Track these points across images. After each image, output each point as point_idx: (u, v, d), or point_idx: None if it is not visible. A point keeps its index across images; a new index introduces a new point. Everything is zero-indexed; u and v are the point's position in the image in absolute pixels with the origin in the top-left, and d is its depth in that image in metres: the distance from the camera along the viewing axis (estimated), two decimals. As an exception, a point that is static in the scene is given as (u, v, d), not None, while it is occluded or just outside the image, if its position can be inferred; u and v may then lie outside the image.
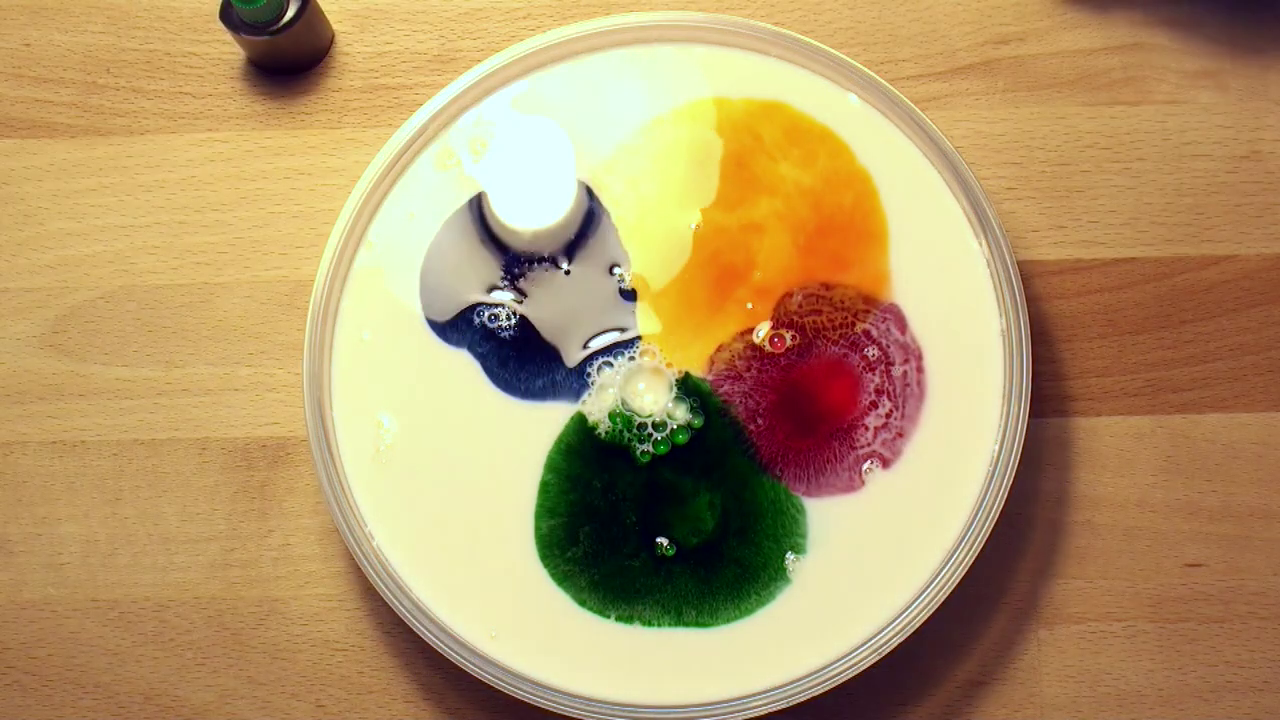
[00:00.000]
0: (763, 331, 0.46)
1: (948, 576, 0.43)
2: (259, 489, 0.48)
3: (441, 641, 0.43)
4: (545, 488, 0.45)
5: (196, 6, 0.53)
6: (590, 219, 0.47)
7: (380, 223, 0.47)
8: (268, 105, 0.51)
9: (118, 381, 0.49)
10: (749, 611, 0.44)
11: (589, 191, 0.47)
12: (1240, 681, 0.46)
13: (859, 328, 0.46)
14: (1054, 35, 0.51)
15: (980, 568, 0.43)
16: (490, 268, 0.47)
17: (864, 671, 0.43)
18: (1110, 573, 0.46)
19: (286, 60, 0.51)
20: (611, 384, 0.46)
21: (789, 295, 0.46)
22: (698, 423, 0.45)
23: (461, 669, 0.43)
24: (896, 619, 0.43)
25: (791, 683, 0.43)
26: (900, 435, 0.45)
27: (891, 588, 0.44)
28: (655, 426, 0.45)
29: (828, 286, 0.46)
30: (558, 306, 0.46)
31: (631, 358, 0.46)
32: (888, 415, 0.45)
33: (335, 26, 0.52)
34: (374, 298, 0.47)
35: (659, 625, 0.44)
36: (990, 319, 0.45)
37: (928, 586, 0.43)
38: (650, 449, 0.45)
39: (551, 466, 0.45)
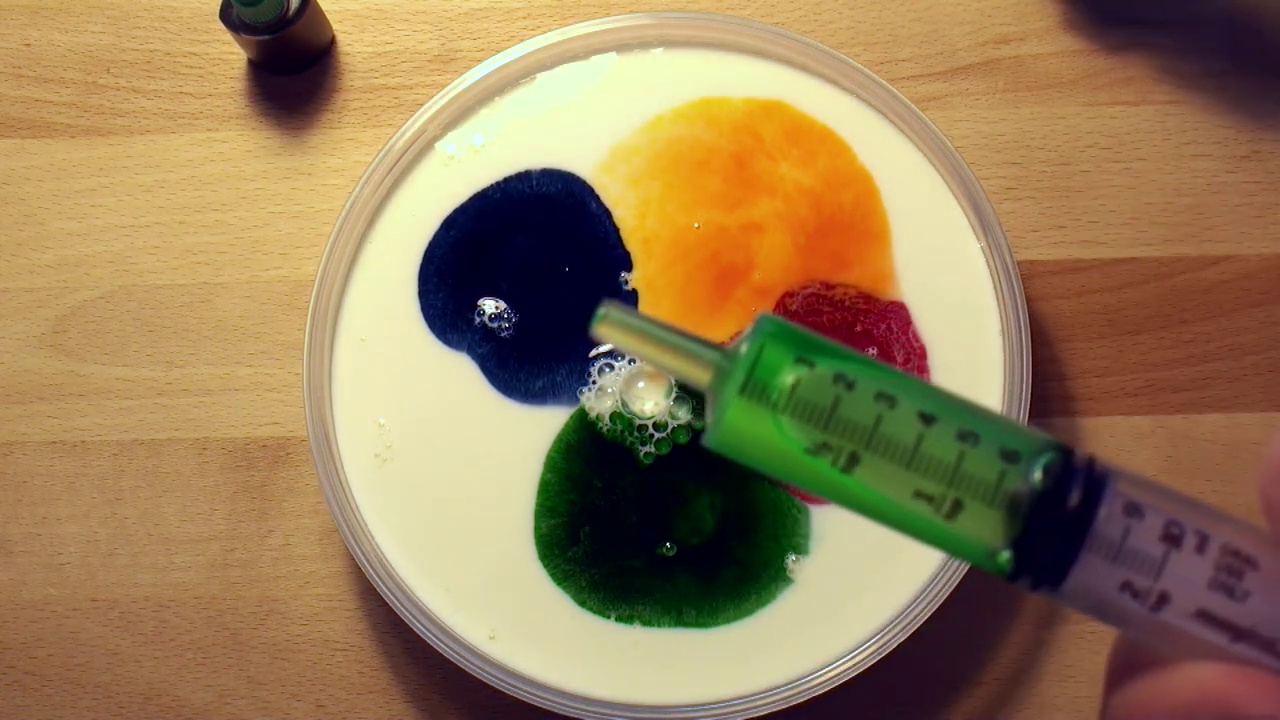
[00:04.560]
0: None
1: (948, 577, 0.43)
2: (259, 489, 0.48)
3: (441, 641, 0.43)
4: (545, 487, 0.45)
5: (196, 6, 0.53)
6: (590, 219, 0.47)
7: (380, 223, 0.47)
8: (268, 105, 0.51)
9: (118, 381, 0.49)
10: (749, 612, 0.44)
11: (589, 191, 0.47)
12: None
13: (859, 328, 0.46)
14: (1054, 35, 0.51)
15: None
16: (490, 268, 0.47)
17: (864, 671, 0.43)
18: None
19: (286, 60, 0.51)
20: (612, 385, 0.46)
21: (789, 295, 0.46)
22: (699, 423, 0.45)
23: (461, 669, 0.43)
24: (896, 619, 0.43)
25: (791, 683, 0.43)
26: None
27: (891, 588, 0.44)
28: (656, 426, 0.45)
29: (828, 286, 0.46)
30: (558, 307, 0.46)
31: (632, 359, 0.46)
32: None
33: (335, 26, 0.52)
34: (374, 298, 0.47)
35: (659, 625, 0.44)
36: (990, 319, 0.45)
37: (928, 586, 0.43)
38: (653, 449, 0.45)
39: (552, 466, 0.45)
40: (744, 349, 0.22)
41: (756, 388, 0.22)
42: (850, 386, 0.22)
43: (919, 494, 0.21)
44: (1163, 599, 0.20)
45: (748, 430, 0.22)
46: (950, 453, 0.21)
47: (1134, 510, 0.20)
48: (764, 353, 0.22)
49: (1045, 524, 0.20)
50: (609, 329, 0.23)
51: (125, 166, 0.51)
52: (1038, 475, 0.20)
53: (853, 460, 0.21)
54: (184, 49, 0.52)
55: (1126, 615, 0.20)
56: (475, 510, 0.45)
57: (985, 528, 0.21)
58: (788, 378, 0.22)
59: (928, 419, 0.21)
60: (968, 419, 0.21)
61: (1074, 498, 0.20)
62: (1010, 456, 0.21)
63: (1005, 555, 0.21)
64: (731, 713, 0.43)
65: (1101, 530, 0.20)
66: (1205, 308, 0.48)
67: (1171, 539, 0.20)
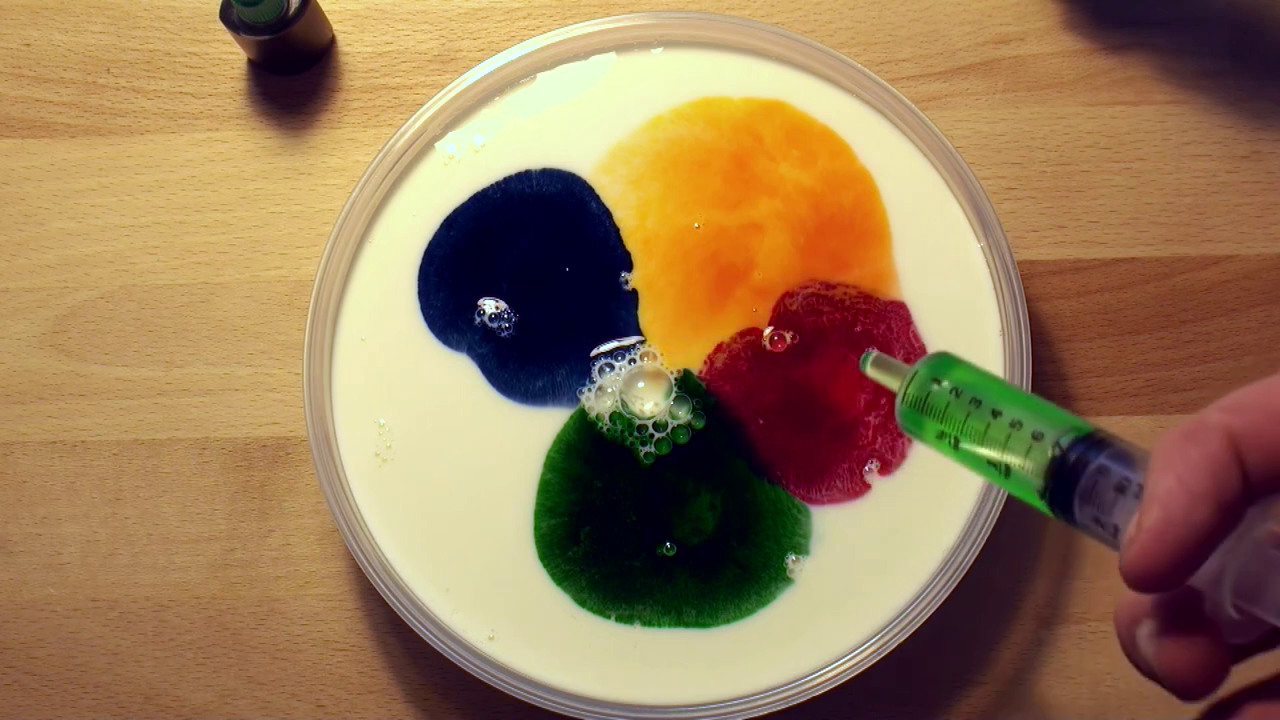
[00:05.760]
0: (764, 331, 0.46)
1: (947, 577, 0.43)
2: (259, 489, 0.48)
3: (441, 641, 0.43)
4: (545, 487, 0.45)
5: (196, 6, 0.53)
6: (590, 219, 0.47)
7: (380, 222, 0.47)
8: (268, 105, 0.51)
9: (118, 381, 0.49)
10: (749, 612, 0.44)
11: (589, 191, 0.47)
12: (1239, 680, 0.46)
13: (859, 328, 0.46)
14: (1054, 35, 0.51)
15: (980, 568, 0.43)
16: (490, 268, 0.47)
17: (864, 671, 0.43)
18: (1110, 573, 0.46)
19: (286, 60, 0.51)
20: (612, 385, 0.46)
21: (789, 295, 0.46)
22: (699, 424, 0.45)
23: (461, 669, 0.43)
24: (896, 619, 0.43)
25: (791, 683, 0.43)
26: (901, 435, 0.45)
27: (891, 588, 0.44)
28: (656, 426, 0.45)
29: (828, 286, 0.46)
30: (558, 307, 0.46)
31: (632, 359, 0.46)
32: (888, 415, 0.45)
33: (335, 26, 0.52)
34: (374, 298, 0.47)
35: (659, 625, 0.44)
36: (990, 319, 0.45)
37: (927, 586, 0.43)
38: (653, 449, 0.45)
39: (552, 466, 0.45)
40: (909, 373, 0.35)
41: (911, 398, 0.34)
42: (957, 394, 0.33)
43: (989, 461, 0.32)
44: (1115, 531, 0.28)
45: (910, 420, 0.35)
46: (1004, 435, 0.32)
47: (1102, 470, 0.29)
48: (916, 375, 0.35)
49: (1056, 479, 0.29)
50: (875, 370, 0.37)
51: (125, 166, 0.51)
52: (1053, 451, 0.30)
53: (956, 441, 0.33)
54: (184, 49, 0.52)
55: (1103, 539, 0.29)
56: (475, 510, 0.45)
57: (1027, 481, 0.31)
58: (926, 390, 0.34)
59: (996, 413, 0.32)
60: (1018, 411, 0.32)
61: (1069, 464, 0.29)
62: (1038, 436, 0.31)
63: (1039, 498, 0.30)
64: (731, 713, 0.43)
65: (1084, 484, 0.29)
66: (1205, 308, 0.48)
67: (1119, 489, 0.28)
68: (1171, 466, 0.25)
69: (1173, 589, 0.25)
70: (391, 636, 0.47)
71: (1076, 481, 0.29)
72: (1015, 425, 0.31)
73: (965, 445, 0.33)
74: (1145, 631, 0.26)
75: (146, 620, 0.48)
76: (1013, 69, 0.50)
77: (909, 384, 0.35)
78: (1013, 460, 0.31)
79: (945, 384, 0.34)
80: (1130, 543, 0.25)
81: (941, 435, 0.34)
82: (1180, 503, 0.24)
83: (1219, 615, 0.26)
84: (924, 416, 0.34)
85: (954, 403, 0.33)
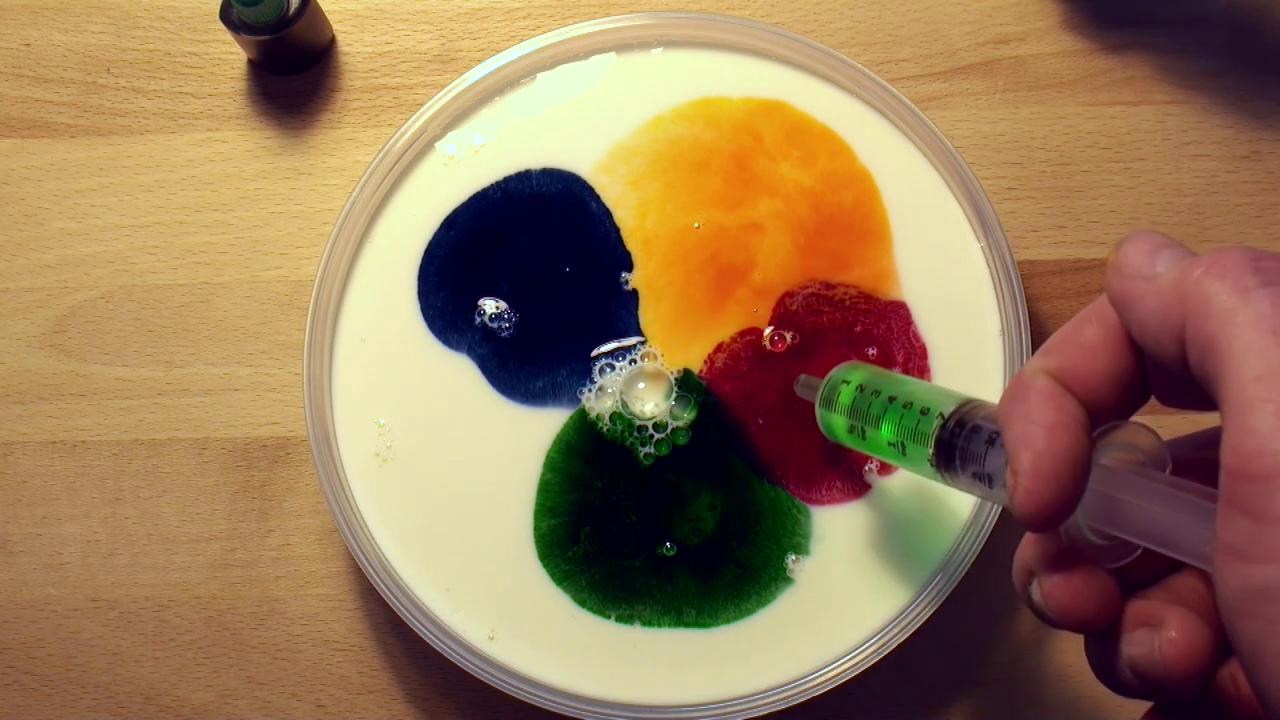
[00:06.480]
0: (764, 331, 0.46)
1: (947, 577, 0.43)
2: (259, 489, 0.48)
3: (441, 641, 0.43)
4: (545, 487, 0.45)
5: (196, 6, 0.53)
6: (590, 219, 0.47)
7: (380, 222, 0.47)
8: (268, 105, 0.51)
9: (118, 381, 0.49)
10: (749, 612, 0.44)
11: (589, 191, 0.47)
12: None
13: (859, 328, 0.46)
14: (1054, 35, 0.51)
15: (980, 568, 0.43)
16: (490, 268, 0.47)
17: (864, 671, 0.43)
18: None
19: (286, 60, 0.51)
20: (612, 386, 0.46)
21: (789, 295, 0.46)
22: (699, 423, 0.45)
23: (461, 669, 0.43)
24: (896, 619, 0.43)
25: (791, 682, 0.43)
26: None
27: (891, 588, 0.44)
28: (656, 427, 0.45)
29: (828, 286, 0.46)
30: (558, 307, 0.46)
31: (632, 360, 0.46)
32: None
33: (335, 26, 0.52)
34: (374, 298, 0.47)
35: (659, 625, 0.44)
36: (990, 319, 0.45)
37: (927, 586, 0.43)
38: (653, 450, 0.45)
39: (552, 466, 0.45)
40: (822, 382, 0.41)
41: (825, 399, 0.41)
42: (862, 390, 0.38)
43: (889, 443, 0.36)
44: (991, 482, 0.31)
45: (825, 420, 0.41)
46: (898, 416, 0.36)
47: (975, 429, 0.32)
48: (827, 380, 0.41)
49: (940, 446, 0.33)
50: (802, 390, 0.43)
51: (125, 166, 0.51)
52: (936, 421, 0.33)
53: (863, 431, 0.38)
54: (184, 49, 0.52)
55: (985, 494, 0.32)
56: (475, 510, 0.45)
57: (919, 453, 0.34)
58: (837, 391, 0.39)
59: (892, 399, 0.36)
60: (910, 395, 0.36)
61: (949, 430, 0.33)
62: (924, 412, 0.34)
63: (929, 466, 0.34)
64: (731, 713, 0.43)
65: (961, 445, 0.32)
66: (1205, 308, 0.48)
67: (990, 442, 0.31)
68: (1016, 417, 0.27)
69: (1066, 517, 0.26)
70: (391, 636, 0.47)
71: (956, 444, 0.32)
72: (907, 406, 0.35)
73: (869, 432, 0.37)
74: (1034, 584, 0.28)
75: (146, 620, 0.48)
76: (1013, 69, 0.50)
77: (822, 389, 0.40)
78: (906, 437, 0.35)
79: (852, 383, 0.39)
80: (1013, 490, 0.26)
81: (852, 429, 0.38)
82: (1039, 438, 0.26)
83: (1082, 542, 0.27)
84: (834, 414, 0.39)
85: (859, 397, 0.38)
